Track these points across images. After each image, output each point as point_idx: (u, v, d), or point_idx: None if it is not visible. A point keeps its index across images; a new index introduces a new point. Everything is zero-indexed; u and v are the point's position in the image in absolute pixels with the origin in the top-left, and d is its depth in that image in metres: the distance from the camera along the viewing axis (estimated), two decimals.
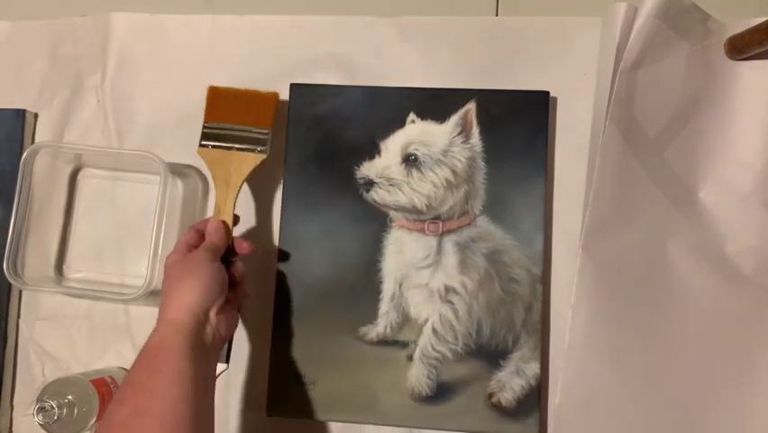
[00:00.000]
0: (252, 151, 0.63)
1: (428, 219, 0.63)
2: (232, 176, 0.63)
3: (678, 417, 0.58)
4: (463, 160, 0.63)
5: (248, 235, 0.66)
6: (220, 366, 0.63)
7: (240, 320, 0.64)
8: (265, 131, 0.63)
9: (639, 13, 0.61)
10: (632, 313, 0.60)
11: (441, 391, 0.60)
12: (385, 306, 0.62)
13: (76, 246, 0.68)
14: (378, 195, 0.63)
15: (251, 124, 0.63)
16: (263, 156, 0.63)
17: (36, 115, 0.71)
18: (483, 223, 0.62)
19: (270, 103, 0.64)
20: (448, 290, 0.62)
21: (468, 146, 0.63)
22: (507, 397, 0.60)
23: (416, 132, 0.64)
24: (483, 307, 0.61)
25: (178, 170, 0.65)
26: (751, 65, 0.63)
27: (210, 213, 0.67)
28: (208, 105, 0.64)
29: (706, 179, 0.62)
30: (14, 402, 0.66)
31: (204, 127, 0.64)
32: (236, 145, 0.63)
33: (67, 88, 0.70)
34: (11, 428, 0.66)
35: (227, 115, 0.64)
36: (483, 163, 0.63)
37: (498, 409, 0.60)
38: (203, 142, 0.63)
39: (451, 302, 0.62)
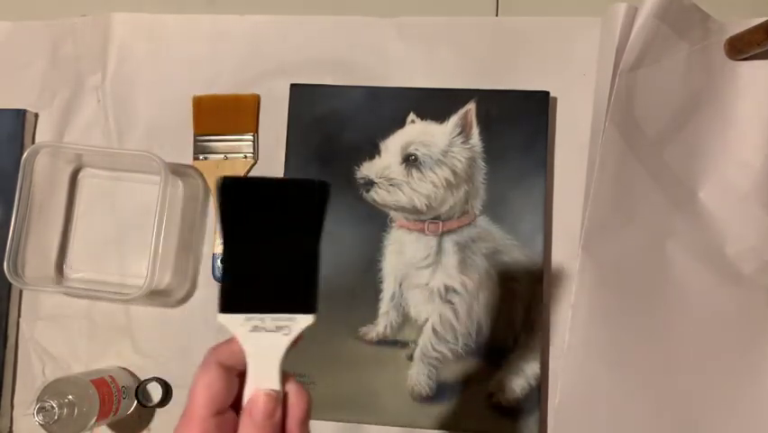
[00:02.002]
0: (241, 158, 0.66)
1: (428, 219, 0.63)
2: None
3: (678, 416, 0.59)
4: (463, 160, 0.63)
5: None
6: None
7: None
8: (249, 136, 0.66)
9: (639, 14, 0.61)
10: (632, 313, 0.60)
11: (441, 391, 0.60)
12: (385, 306, 0.62)
13: (76, 246, 0.68)
14: (378, 195, 0.63)
15: (236, 132, 0.67)
16: (252, 162, 0.66)
17: (36, 115, 0.71)
18: (483, 223, 0.62)
19: (251, 107, 0.67)
20: (448, 289, 0.62)
21: (468, 146, 0.63)
22: (507, 397, 0.60)
23: (416, 132, 0.64)
24: (483, 307, 0.61)
25: (178, 170, 0.65)
26: (751, 65, 0.63)
27: (211, 215, 0.67)
28: (195, 117, 0.68)
29: (706, 179, 0.62)
30: (14, 402, 0.66)
31: (195, 140, 0.67)
32: (225, 154, 0.67)
33: (67, 88, 0.70)
34: (11, 427, 0.66)
35: (213, 126, 0.68)
36: (483, 163, 0.63)
37: (498, 409, 0.60)
38: (195, 155, 0.67)
39: (451, 302, 0.62)
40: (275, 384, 0.33)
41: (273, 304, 0.33)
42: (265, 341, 0.33)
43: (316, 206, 0.34)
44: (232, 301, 0.33)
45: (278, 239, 0.33)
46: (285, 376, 0.33)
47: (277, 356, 0.33)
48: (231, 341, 0.34)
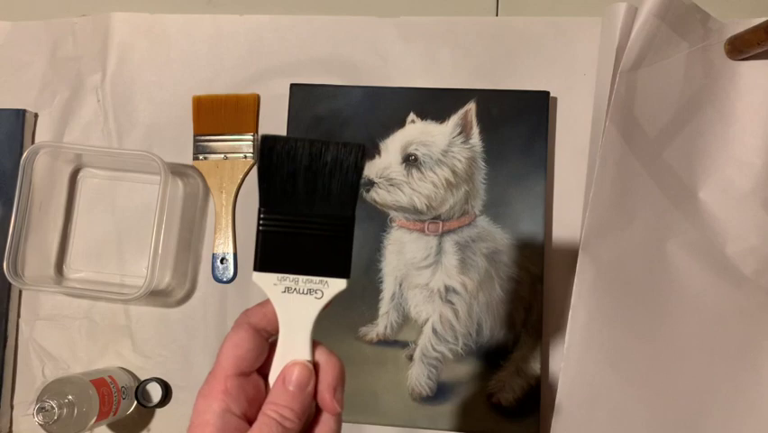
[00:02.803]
0: (241, 158, 0.66)
1: (428, 219, 0.63)
2: (226, 184, 0.66)
3: (678, 416, 0.59)
4: (463, 160, 0.63)
5: (249, 236, 0.66)
6: None
7: None
8: (249, 136, 0.66)
9: (639, 13, 0.61)
10: (632, 313, 0.60)
11: (441, 391, 0.60)
12: (385, 306, 0.62)
13: (76, 246, 0.68)
14: (378, 195, 0.63)
15: (236, 132, 0.67)
16: (252, 162, 0.66)
17: (36, 115, 0.71)
18: (483, 223, 0.62)
19: (250, 107, 0.67)
20: (448, 289, 0.62)
21: (468, 146, 0.63)
22: (507, 397, 0.60)
23: (416, 132, 0.64)
24: (483, 307, 0.61)
25: (178, 170, 0.65)
26: (751, 65, 0.63)
27: (211, 215, 0.67)
28: (195, 117, 0.68)
29: (706, 178, 0.62)
30: (14, 402, 0.66)
31: (194, 140, 0.67)
32: (225, 154, 0.67)
33: (67, 88, 0.70)
34: (11, 428, 0.66)
35: (213, 125, 0.68)
36: (483, 163, 0.63)
37: (498, 409, 0.60)
38: (195, 155, 0.67)
39: (451, 302, 0.62)
40: (306, 352, 0.34)
41: (306, 266, 0.33)
42: (296, 304, 0.33)
43: (355, 169, 0.33)
44: (265, 260, 0.33)
45: (314, 200, 0.33)
46: (314, 345, 0.34)
47: (308, 322, 0.34)
48: (264, 303, 0.34)
